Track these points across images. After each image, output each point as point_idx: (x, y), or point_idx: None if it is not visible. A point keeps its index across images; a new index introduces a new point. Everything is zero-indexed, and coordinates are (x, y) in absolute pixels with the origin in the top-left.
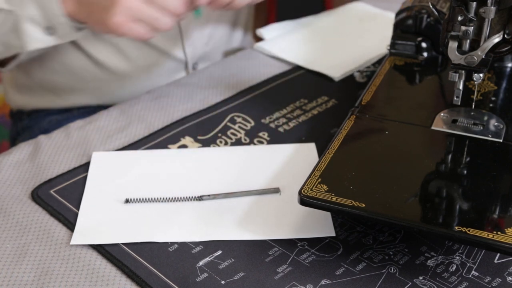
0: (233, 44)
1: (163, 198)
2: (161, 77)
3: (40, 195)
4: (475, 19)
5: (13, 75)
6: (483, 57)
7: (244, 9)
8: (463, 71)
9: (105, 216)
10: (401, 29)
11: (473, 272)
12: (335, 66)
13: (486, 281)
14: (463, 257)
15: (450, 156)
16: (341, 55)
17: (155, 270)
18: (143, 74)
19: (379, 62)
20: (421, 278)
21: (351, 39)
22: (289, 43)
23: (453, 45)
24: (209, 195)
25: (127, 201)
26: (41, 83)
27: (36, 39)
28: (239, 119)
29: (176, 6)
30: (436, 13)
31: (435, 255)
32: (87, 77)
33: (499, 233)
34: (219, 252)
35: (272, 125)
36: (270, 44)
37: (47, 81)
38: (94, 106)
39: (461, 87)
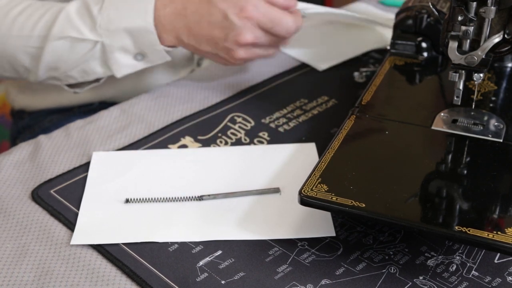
0: None
1: (163, 198)
2: (167, 73)
3: (40, 195)
4: (475, 19)
5: None
6: (483, 57)
7: None
8: (463, 71)
9: (105, 216)
10: (401, 29)
11: (473, 272)
12: (323, 58)
13: (486, 281)
14: (463, 257)
15: (450, 156)
16: (332, 48)
17: (155, 270)
18: (149, 69)
19: (379, 62)
20: (421, 278)
21: (347, 36)
22: None
23: (453, 45)
24: (209, 195)
25: (127, 201)
26: (42, 82)
27: (126, 65)
28: (239, 119)
29: (285, 41)
30: (436, 13)
31: (435, 255)
32: None
33: (499, 233)
34: (219, 252)
35: (272, 125)
36: None
37: None
38: (97, 103)
39: (461, 87)
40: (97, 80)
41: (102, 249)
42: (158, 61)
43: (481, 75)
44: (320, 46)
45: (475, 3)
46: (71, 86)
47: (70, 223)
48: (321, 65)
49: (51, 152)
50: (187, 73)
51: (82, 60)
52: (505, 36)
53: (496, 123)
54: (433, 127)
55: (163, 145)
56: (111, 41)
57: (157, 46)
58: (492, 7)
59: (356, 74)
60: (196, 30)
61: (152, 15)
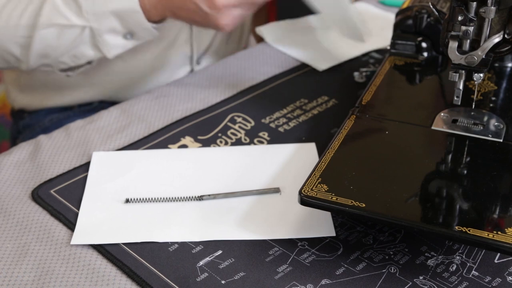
0: (233, 41)
1: (163, 198)
2: (167, 71)
3: (40, 195)
4: (475, 19)
5: (16, 75)
6: (483, 57)
7: None
8: (463, 71)
9: (105, 216)
10: (401, 29)
11: (473, 272)
12: (323, 58)
13: (486, 281)
14: (463, 257)
15: (450, 156)
16: (332, 48)
17: (155, 270)
18: (149, 67)
19: (379, 62)
20: (421, 278)
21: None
22: (285, 34)
23: (453, 45)
24: (209, 195)
25: (127, 201)
26: (44, 82)
27: (116, 46)
28: (239, 119)
29: None
30: (436, 13)
31: (435, 255)
32: (91, 71)
33: (499, 233)
34: (219, 252)
35: (272, 125)
36: (268, 31)
37: (51, 79)
38: (97, 102)
39: (461, 87)
40: (89, 62)
41: (102, 249)
42: (148, 37)
43: (481, 75)
44: (320, 46)
45: (475, 3)
46: (63, 70)
47: (70, 223)
48: (321, 65)
49: (51, 152)
50: (187, 72)
51: (72, 45)
52: (505, 36)
53: (496, 123)
54: (433, 127)
55: (163, 145)
56: (99, 25)
57: (145, 24)
58: (492, 7)
59: (356, 74)
60: (179, 14)
61: None
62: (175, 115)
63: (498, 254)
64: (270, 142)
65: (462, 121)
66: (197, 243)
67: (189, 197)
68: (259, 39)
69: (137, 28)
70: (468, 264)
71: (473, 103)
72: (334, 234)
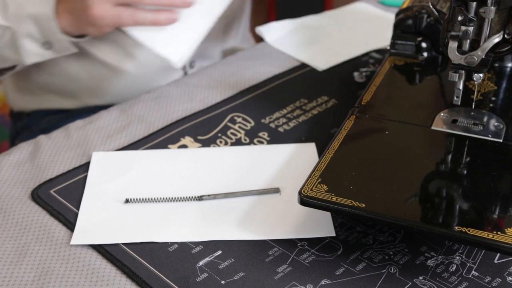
0: (230, 42)
1: (163, 198)
2: (158, 74)
3: (40, 195)
4: (475, 19)
5: (14, 78)
6: (483, 57)
7: (240, 5)
8: (463, 71)
9: (105, 216)
10: (401, 29)
11: (473, 272)
12: (323, 59)
13: (486, 281)
14: (463, 257)
15: (450, 156)
16: (332, 48)
17: (155, 270)
18: (140, 71)
19: (379, 62)
20: (421, 278)
21: (347, 36)
22: (285, 34)
23: (453, 45)
24: (209, 195)
25: (127, 201)
26: (40, 86)
27: (34, 53)
28: (239, 119)
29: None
30: (436, 13)
31: (435, 255)
32: (84, 77)
33: (499, 233)
34: (219, 252)
35: (272, 125)
36: (268, 31)
37: (46, 83)
38: (93, 107)
39: (461, 87)
40: (14, 67)
41: (102, 249)
42: (65, 51)
43: (481, 75)
44: (320, 46)
45: (475, 3)
46: None
47: (70, 223)
48: (321, 65)
49: (51, 152)
50: (180, 76)
51: None
52: (505, 36)
53: (496, 123)
54: (433, 127)
55: (163, 145)
56: (19, 27)
57: (58, 34)
58: (492, 7)
59: (356, 74)
60: (71, 11)
61: (53, 2)
62: (174, 115)
63: (498, 254)
64: (270, 142)
65: (462, 121)
66: (197, 243)
67: (189, 197)
68: (259, 39)
69: (52, 37)
70: (468, 264)
71: (473, 103)
72: (334, 234)
